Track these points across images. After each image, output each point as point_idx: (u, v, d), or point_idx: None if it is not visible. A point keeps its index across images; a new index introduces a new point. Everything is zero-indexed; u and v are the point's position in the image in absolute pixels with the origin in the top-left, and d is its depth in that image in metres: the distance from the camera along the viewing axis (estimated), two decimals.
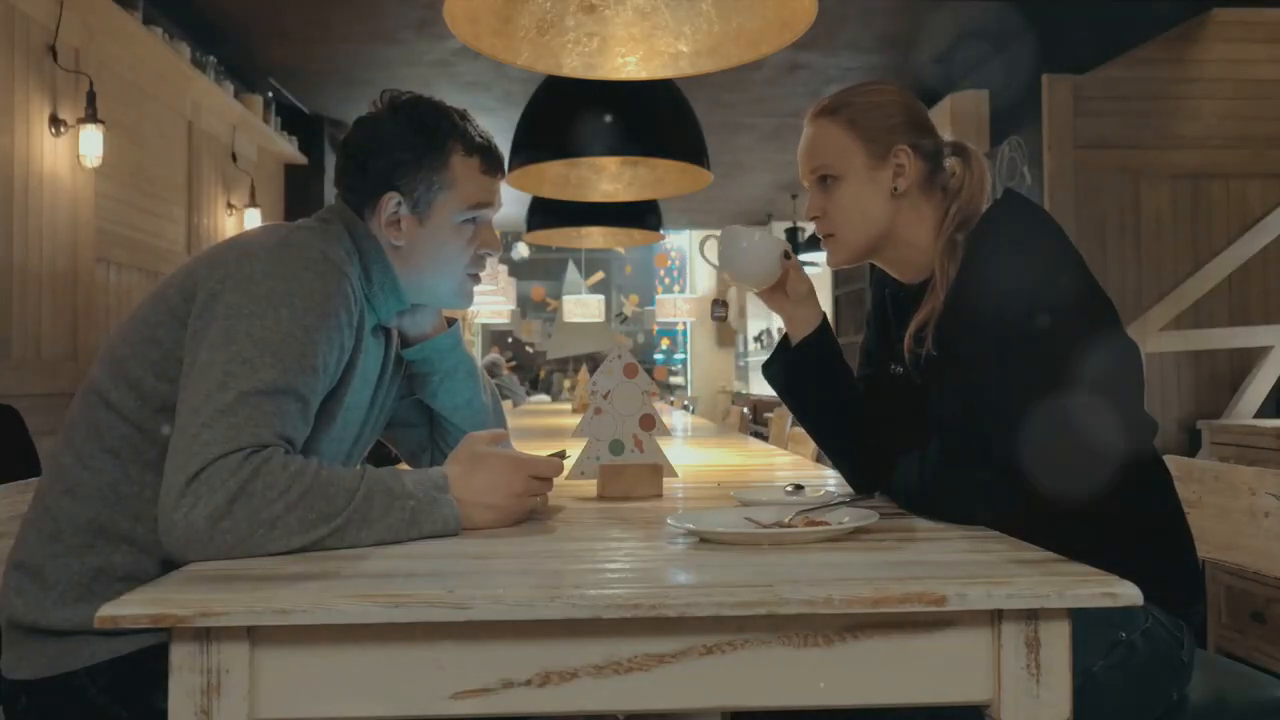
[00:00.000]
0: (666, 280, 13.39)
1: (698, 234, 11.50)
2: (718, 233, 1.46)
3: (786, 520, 1.16)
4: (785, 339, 1.46)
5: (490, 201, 1.40)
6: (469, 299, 1.44)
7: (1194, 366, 4.32)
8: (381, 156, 1.34)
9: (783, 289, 1.44)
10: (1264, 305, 4.36)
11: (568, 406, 5.67)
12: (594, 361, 7.61)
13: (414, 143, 1.34)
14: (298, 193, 6.46)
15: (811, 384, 1.44)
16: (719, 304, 11.80)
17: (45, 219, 3.60)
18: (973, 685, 0.90)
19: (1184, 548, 1.30)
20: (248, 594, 0.86)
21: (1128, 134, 4.45)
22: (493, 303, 9.13)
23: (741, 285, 1.47)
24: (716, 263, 1.46)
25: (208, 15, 4.81)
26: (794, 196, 8.70)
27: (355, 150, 1.36)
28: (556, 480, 1.30)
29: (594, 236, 4.61)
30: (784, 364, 1.46)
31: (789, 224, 8.89)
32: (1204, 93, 4.46)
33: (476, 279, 1.44)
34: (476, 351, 11.49)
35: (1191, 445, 3.79)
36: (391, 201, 1.34)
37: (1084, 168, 4.43)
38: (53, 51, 3.63)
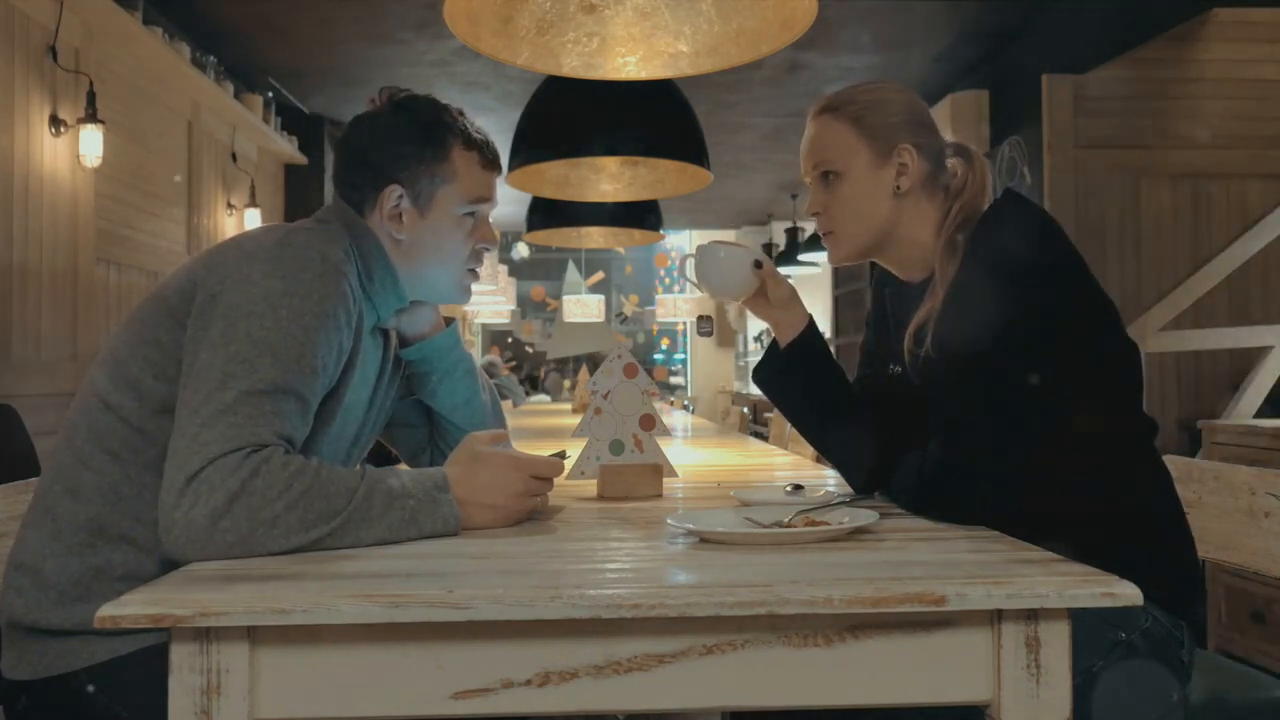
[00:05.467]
0: (666, 280, 13.40)
1: (698, 234, 11.50)
2: (693, 256, 1.48)
3: (786, 520, 1.16)
4: (774, 343, 1.46)
5: (489, 196, 1.41)
6: (468, 294, 1.45)
7: (1194, 366, 4.32)
8: (383, 150, 1.34)
9: (764, 297, 1.44)
10: (1264, 305, 4.36)
11: (568, 406, 5.67)
12: (594, 361, 7.61)
13: (415, 136, 1.35)
14: (298, 193, 6.46)
15: (803, 386, 1.44)
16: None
17: (45, 219, 3.60)
18: (973, 685, 0.90)
19: (1184, 548, 1.30)
20: (248, 594, 0.86)
21: (1128, 134, 4.45)
22: (493, 303, 9.14)
23: (721, 299, 1.49)
24: (696, 281, 1.47)
25: (208, 15, 4.81)
26: (794, 196, 8.70)
27: (355, 146, 1.37)
28: (556, 480, 1.30)
29: (594, 236, 4.61)
30: (775, 368, 1.46)
31: (788, 224, 8.89)
32: (1204, 93, 4.46)
33: (475, 275, 1.45)
34: (476, 352, 11.49)
35: (1191, 445, 3.79)
36: (394, 194, 1.34)
37: (1084, 168, 4.43)
38: (53, 51, 3.63)
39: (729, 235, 10.90)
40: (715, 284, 1.45)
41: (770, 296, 1.43)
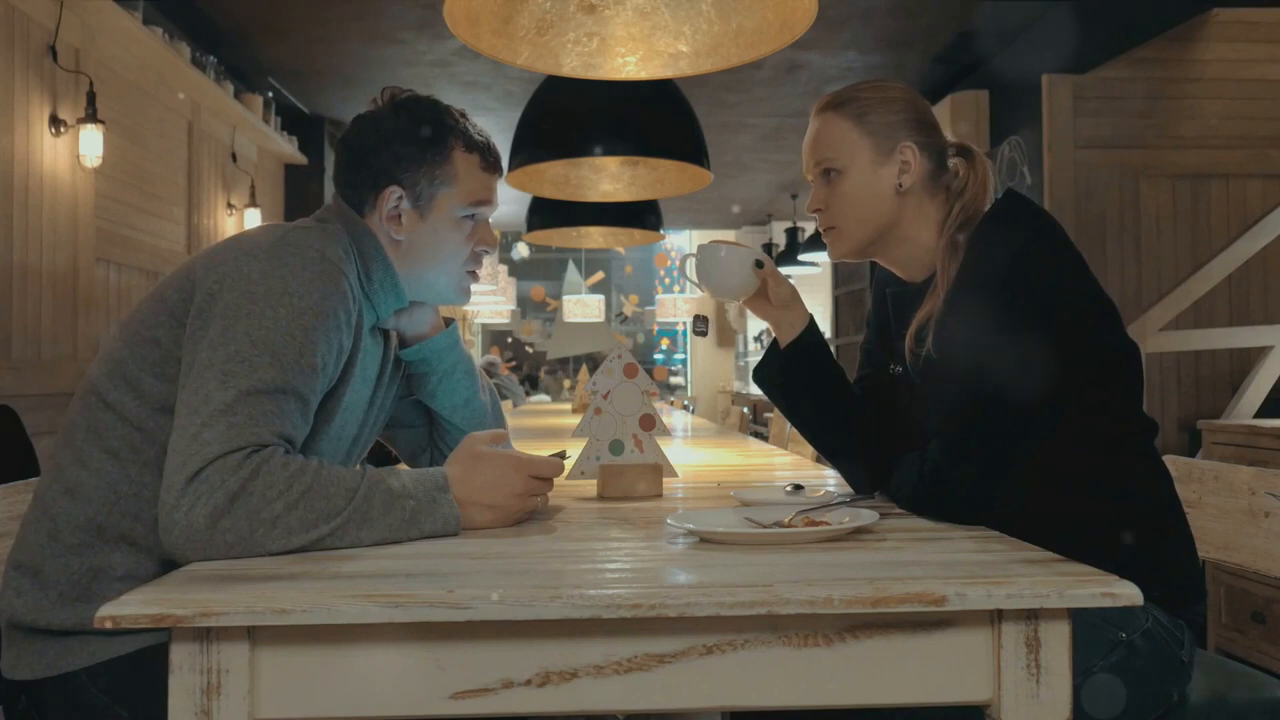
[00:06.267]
0: (666, 280, 13.40)
1: (698, 234, 11.50)
2: (693, 255, 1.47)
3: (786, 520, 1.16)
4: (775, 343, 1.46)
5: (489, 199, 1.41)
6: (467, 296, 1.44)
7: (1194, 366, 4.32)
8: (384, 151, 1.34)
9: (765, 297, 1.44)
10: (1264, 305, 4.36)
11: (568, 406, 5.67)
12: (594, 361, 7.61)
13: (416, 137, 1.35)
14: (298, 193, 6.46)
15: (804, 386, 1.43)
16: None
17: (45, 219, 3.60)
18: (973, 685, 0.90)
19: (1184, 548, 1.30)
20: (248, 594, 0.86)
21: (1128, 134, 4.45)
22: (493, 303, 9.14)
23: (721, 299, 1.48)
24: (696, 280, 1.47)
25: (208, 15, 4.81)
26: (794, 196, 8.69)
27: (356, 146, 1.37)
28: (556, 480, 1.30)
29: (594, 236, 4.61)
30: (775, 368, 1.45)
31: (789, 224, 8.89)
32: (1204, 93, 4.46)
33: (475, 276, 1.45)
34: (476, 352, 11.49)
35: (1191, 445, 3.79)
36: (393, 195, 1.34)
37: (1084, 168, 4.43)
38: (53, 51, 3.63)
39: (729, 235, 10.90)
40: (716, 283, 1.45)
41: (771, 296, 1.43)
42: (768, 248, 9.38)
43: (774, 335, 1.46)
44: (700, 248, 1.45)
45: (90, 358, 3.73)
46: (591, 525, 1.26)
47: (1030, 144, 4.67)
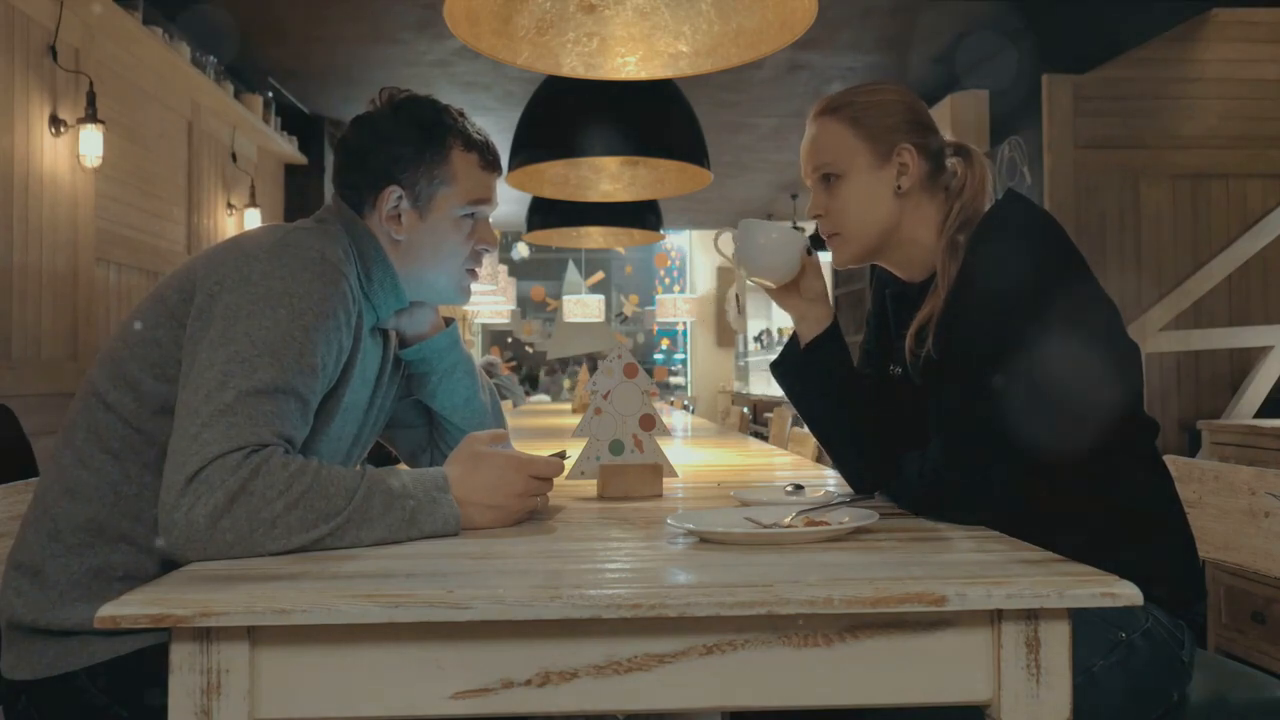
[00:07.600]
0: (666, 280, 13.39)
1: (698, 234, 11.49)
2: (730, 229, 1.45)
3: (786, 520, 1.16)
4: (794, 338, 1.45)
5: (488, 198, 1.41)
6: (467, 295, 1.44)
7: (1194, 366, 4.32)
8: (383, 151, 1.34)
9: (796, 287, 1.44)
10: (1264, 305, 4.36)
11: (568, 406, 5.67)
12: (594, 361, 7.61)
13: (415, 137, 1.35)
14: (298, 193, 6.46)
15: (820, 386, 1.42)
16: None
17: (45, 219, 3.60)
18: (973, 685, 0.90)
19: (1184, 548, 1.30)
20: (248, 594, 0.86)
21: (1128, 134, 4.45)
22: (493, 303, 9.13)
23: (760, 280, 1.45)
24: (732, 256, 1.45)
25: (208, 15, 4.81)
26: (794, 196, 8.69)
27: (355, 146, 1.37)
28: (556, 480, 1.30)
29: (594, 236, 4.62)
30: (793, 364, 1.45)
31: (788, 224, 8.88)
32: (1204, 93, 4.46)
33: (474, 275, 1.45)
34: (476, 352, 11.49)
35: (1191, 445, 3.79)
36: (392, 195, 1.34)
37: (1084, 168, 4.43)
38: (53, 51, 3.63)
39: (728, 235, 10.87)
40: (761, 263, 1.41)
41: (803, 289, 1.43)
42: None
43: (795, 330, 1.45)
44: (745, 223, 1.42)
45: (90, 358, 3.73)
46: (591, 525, 1.26)
47: (1030, 144, 4.67)
